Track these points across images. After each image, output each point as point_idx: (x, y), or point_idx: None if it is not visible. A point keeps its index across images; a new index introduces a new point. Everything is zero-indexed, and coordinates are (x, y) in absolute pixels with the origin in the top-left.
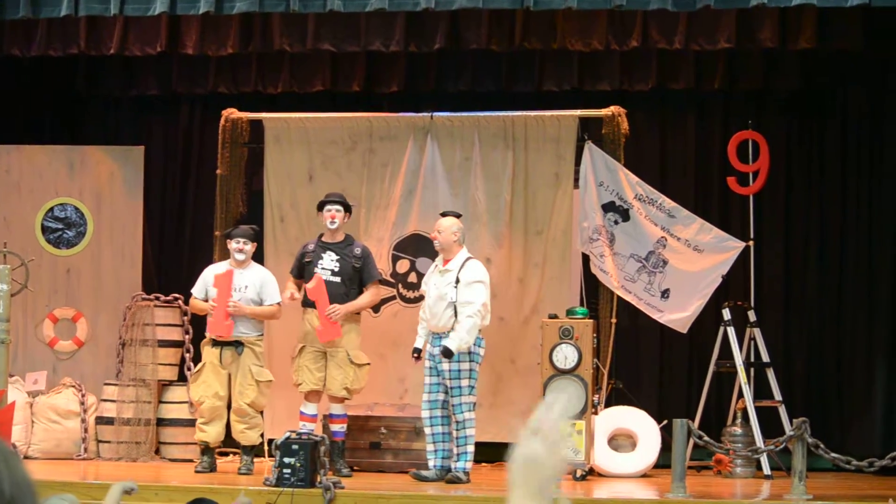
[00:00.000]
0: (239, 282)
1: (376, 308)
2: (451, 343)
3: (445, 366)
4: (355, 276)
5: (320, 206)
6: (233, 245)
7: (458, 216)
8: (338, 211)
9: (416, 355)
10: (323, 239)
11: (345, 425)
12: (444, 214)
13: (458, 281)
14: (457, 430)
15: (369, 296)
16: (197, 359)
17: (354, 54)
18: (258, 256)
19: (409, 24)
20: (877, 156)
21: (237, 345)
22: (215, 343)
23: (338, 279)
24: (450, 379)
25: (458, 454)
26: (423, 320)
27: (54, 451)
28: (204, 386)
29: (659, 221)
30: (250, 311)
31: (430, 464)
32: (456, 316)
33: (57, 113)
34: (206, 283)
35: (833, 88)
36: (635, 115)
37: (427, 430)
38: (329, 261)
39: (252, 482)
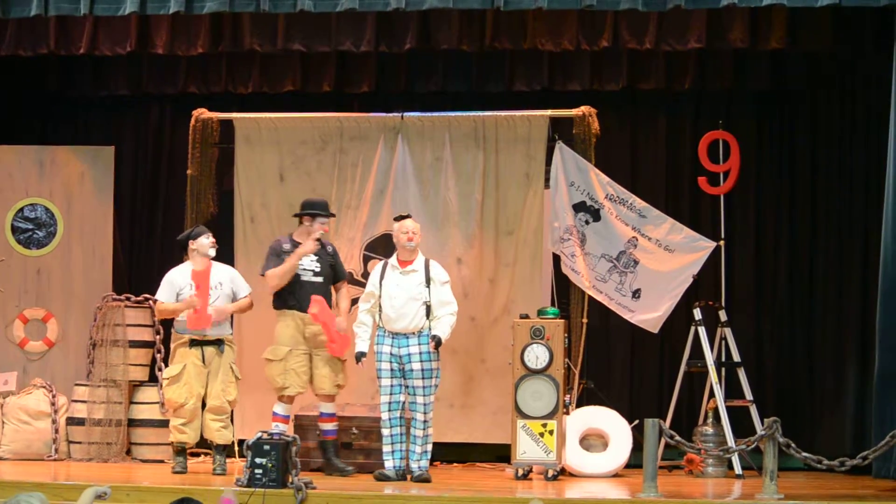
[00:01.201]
0: (213, 279)
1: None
2: (442, 334)
3: (417, 365)
4: (331, 275)
5: (309, 216)
6: (204, 241)
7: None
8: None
9: (362, 359)
10: (296, 239)
11: (336, 423)
12: (403, 217)
13: (429, 281)
14: (422, 429)
15: (347, 296)
16: (168, 359)
17: (325, 54)
18: (229, 256)
19: (379, 24)
20: (846, 155)
21: (219, 343)
22: (194, 343)
23: (320, 279)
24: (422, 378)
25: (420, 453)
26: (364, 324)
27: (25, 452)
28: (186, 388)
29: (630, 221)
30: (235, 307)
31: (389, 464)
32: (428, 316)
33: (27, 113)
34: (175, 285)
35: (803, 88)
36: (606, 115)
37: (386, 432)
38: (309, 261)
39: (225, 482)
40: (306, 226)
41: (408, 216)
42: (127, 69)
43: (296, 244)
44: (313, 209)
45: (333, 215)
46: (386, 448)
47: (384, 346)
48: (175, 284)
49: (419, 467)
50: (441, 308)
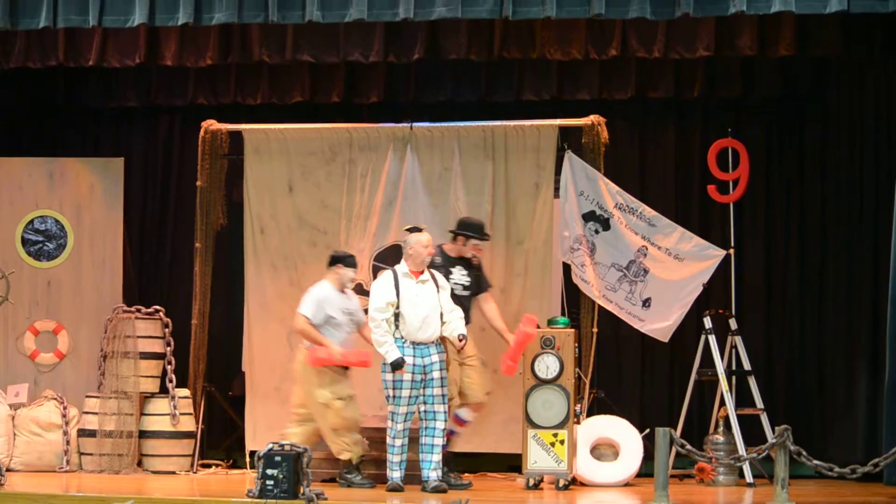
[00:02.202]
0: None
1: None
2: (465, 332)
3: (437, 374)
4: (476, 288)
5: (463, 236)
6: (349, 273)
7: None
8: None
9: (401, 367)
10: (447, 251)
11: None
12: (419, 230)
13: (438, 289)
14: (441, 437)
15: (495, 306)
16: (179, 371)
17: (334, 65)
18: (239, 267)
19: (388, 34)
20: (856, 163)
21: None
22: None
23: (468, 293)
24: (441, 387)
25: (437, 461)
26: (390, 332)
27: (36, 464)
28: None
29: (639, 230)
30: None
31: (397, 475)
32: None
33: (36, 125)
34: (323, 307)
35: (812, 95)
36: (615, 123)
37: (398, 443)
38: (459, 275)
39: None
40: (459, 244)
41: (423, 228)
42: (136, 81)
43: (447, 257)
44: (468, 231)
45: (488, 237)
46: (395, 458)
47: (407, 357)
48: (324, 306)
49: (437, 476)
50: (450, 313)
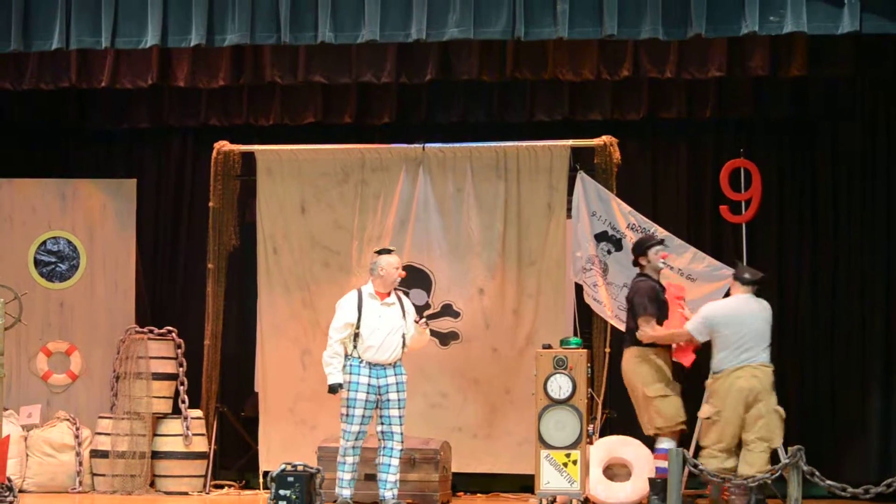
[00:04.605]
0: None
1: None
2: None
3: (394, 395)
4: None
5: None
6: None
7: None
8: None
9: (339, 390)
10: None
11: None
12: (390, 252)
13: (404, 313)
14: (397, 457)
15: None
16: (192, 392)
17: (346, 86)
18: (252, 287)
19: (400, 55)
20: (868, 183)
21: None
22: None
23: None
24: (398, 408)
25: (394, 482)
26: (339, 355)
27: (49, 485)
28: None
29: None
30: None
31: (347, 493)
32: (403, 347)
33: (49, 146)
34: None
35: (824, 116)
36: (627, 144)
37: (350, 460)
38: None
39: None
40: (652, 262)
41: (394, 250)
42: (148, 102)
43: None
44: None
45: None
46: (346, 476)
47: (361, 377)
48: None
49: (393, 496)
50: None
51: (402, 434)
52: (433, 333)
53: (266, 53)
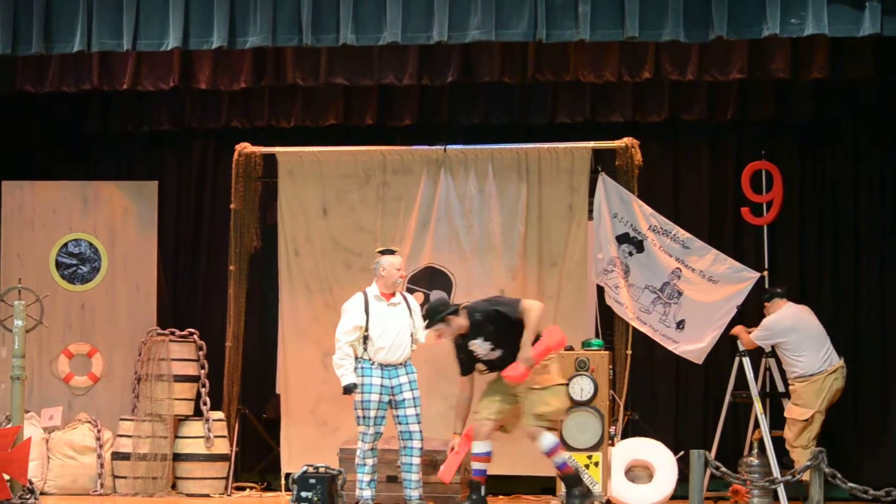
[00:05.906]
0: None
1: None
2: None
3: (409, 394)
4: None
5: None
6: None
7: None
8: None
9: (354, 391)
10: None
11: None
12: (392, 252)
13: (410, 311)
14: (419, 456)
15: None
16: (213, 394)
17: (367, 88)
18: (273, 290)
19: (421, 57)
20: (889, 185)
21: None
22: None
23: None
24: (414, 406)
25: (417, 480)
26: (350, 357)
27: (70, 487)
28: None
29: (673, 252)
30: None
31: (367, 493)
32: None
33: (70, 148)
34: None
35: (845, 118)
36: (648, 146)
37: (369, 461)
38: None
39: None
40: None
41: (396, 251)
42: (170, 104)
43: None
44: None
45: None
46: (366, 478)
47: (374, 378)
48: None
49: (419, 495)
50: (419, 332)
51: (420, 432)
52: None
53: (288, 55)
